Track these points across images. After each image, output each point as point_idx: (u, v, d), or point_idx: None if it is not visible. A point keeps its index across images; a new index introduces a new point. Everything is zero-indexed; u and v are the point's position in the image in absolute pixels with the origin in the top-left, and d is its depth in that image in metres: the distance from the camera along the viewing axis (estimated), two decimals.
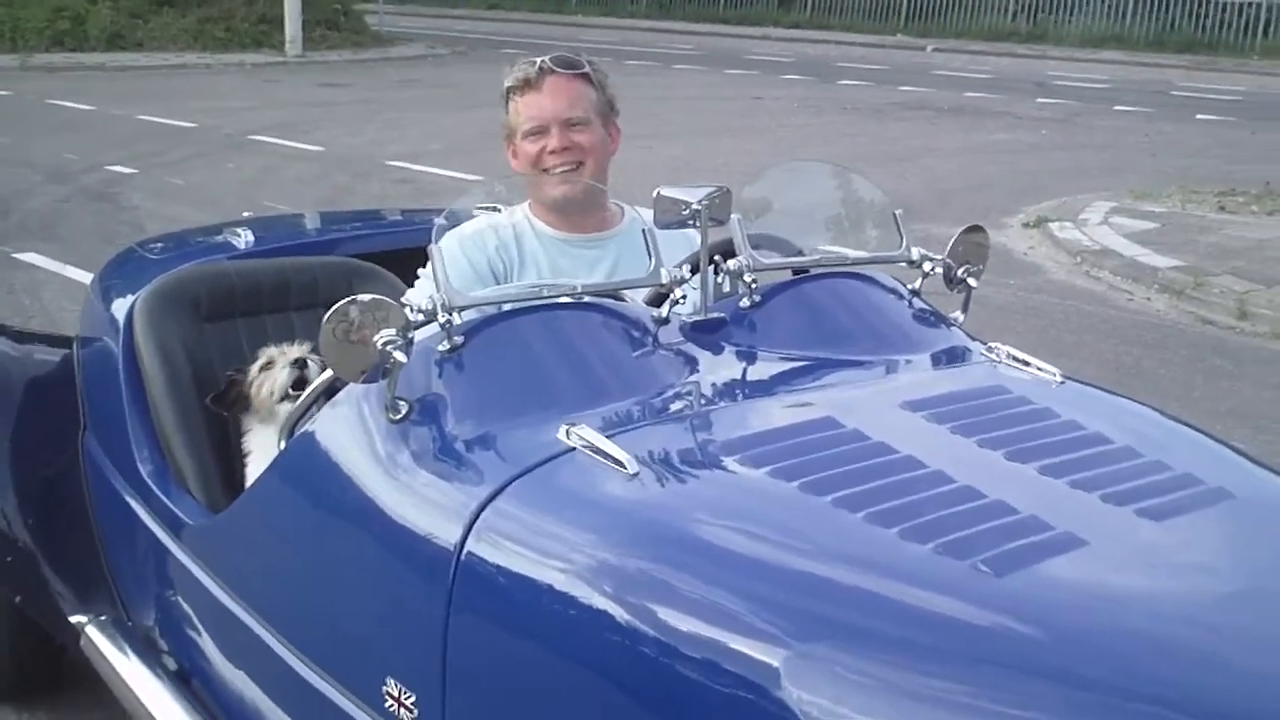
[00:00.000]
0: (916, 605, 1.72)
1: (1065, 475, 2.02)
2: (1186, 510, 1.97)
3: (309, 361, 2.89)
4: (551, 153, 2.94)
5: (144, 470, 3.06)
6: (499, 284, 2.90)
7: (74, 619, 3.20)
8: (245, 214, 4.34)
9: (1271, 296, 8.27)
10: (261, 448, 2.94)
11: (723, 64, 25.24)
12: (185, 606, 2.92)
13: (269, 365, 2.95)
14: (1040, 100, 20.20)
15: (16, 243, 9.15)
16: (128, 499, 3.14)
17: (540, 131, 2.95)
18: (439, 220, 2.57)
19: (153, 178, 11.85)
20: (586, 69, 3.00)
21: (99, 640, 3.10)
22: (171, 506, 2.95)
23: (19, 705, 3.69)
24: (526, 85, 2.96)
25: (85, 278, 7.66)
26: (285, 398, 2.89)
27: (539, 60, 2.96)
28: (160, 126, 15.13)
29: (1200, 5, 28.84)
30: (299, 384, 2.87)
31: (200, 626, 2.85)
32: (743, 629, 1.71)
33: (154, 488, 3.03)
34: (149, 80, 20.69)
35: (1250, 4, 28.26)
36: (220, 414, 3.05)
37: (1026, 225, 10.64)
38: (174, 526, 2.94)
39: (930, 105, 19.13)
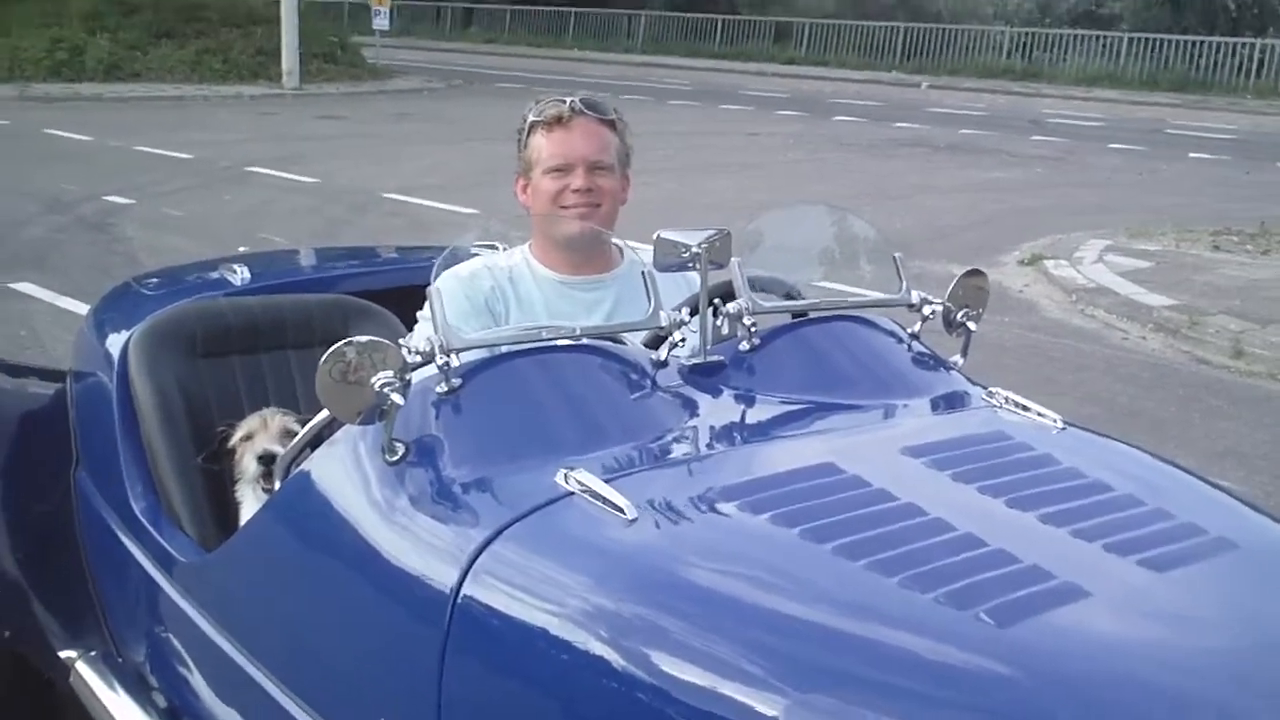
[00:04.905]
0: (918, 654, 1.69)
1: (1067, 524, 1.99)
2: (1189, 561, 1.95)
3: (275, 455, 2.84)
4: (575, 191, 2.94)
5: (136, 506, 3.04)
6: (496, 325, 2.88)
7: (64, 654, 3.17)
8: (241, 249, 4.33)
9: (1266, 336, 8.29)
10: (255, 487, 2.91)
11: (717, 100, 25.36)
12: (176, 644, 2.88)
13: (249, 438, 2.93)
14: (1035, 138, 20.30)
15: (12, 272, 9.16)
16: (120, 535, 3.11)
17: (564, 170, 2.94)
18: (439, 260, 2.55)
19: (149, 208, 11.87)
20: (614, 117, 3.01)
21: (89, 676, 3.07)
22: (164, 543, 2.93)
23: None
24: (556, 123, 2.95)
25: (79, 308, 7.68)
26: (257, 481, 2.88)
27: (569, 99, 2.96)
28: (158, 157, 15.18)
29: (1194, 45, 29.07)
30: (268, 476, 2.85)
31: (191, 664, 2.82)
32: (741, 676, 1.69)
33: (146, 524, 3.00)
34: (147, 111, 20.79)
35: (1243, 44, 28.49)
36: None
37: (1022, 263, 10.67)
38: (166, 563, 2.92)
39: (925, 142, 19.20)
